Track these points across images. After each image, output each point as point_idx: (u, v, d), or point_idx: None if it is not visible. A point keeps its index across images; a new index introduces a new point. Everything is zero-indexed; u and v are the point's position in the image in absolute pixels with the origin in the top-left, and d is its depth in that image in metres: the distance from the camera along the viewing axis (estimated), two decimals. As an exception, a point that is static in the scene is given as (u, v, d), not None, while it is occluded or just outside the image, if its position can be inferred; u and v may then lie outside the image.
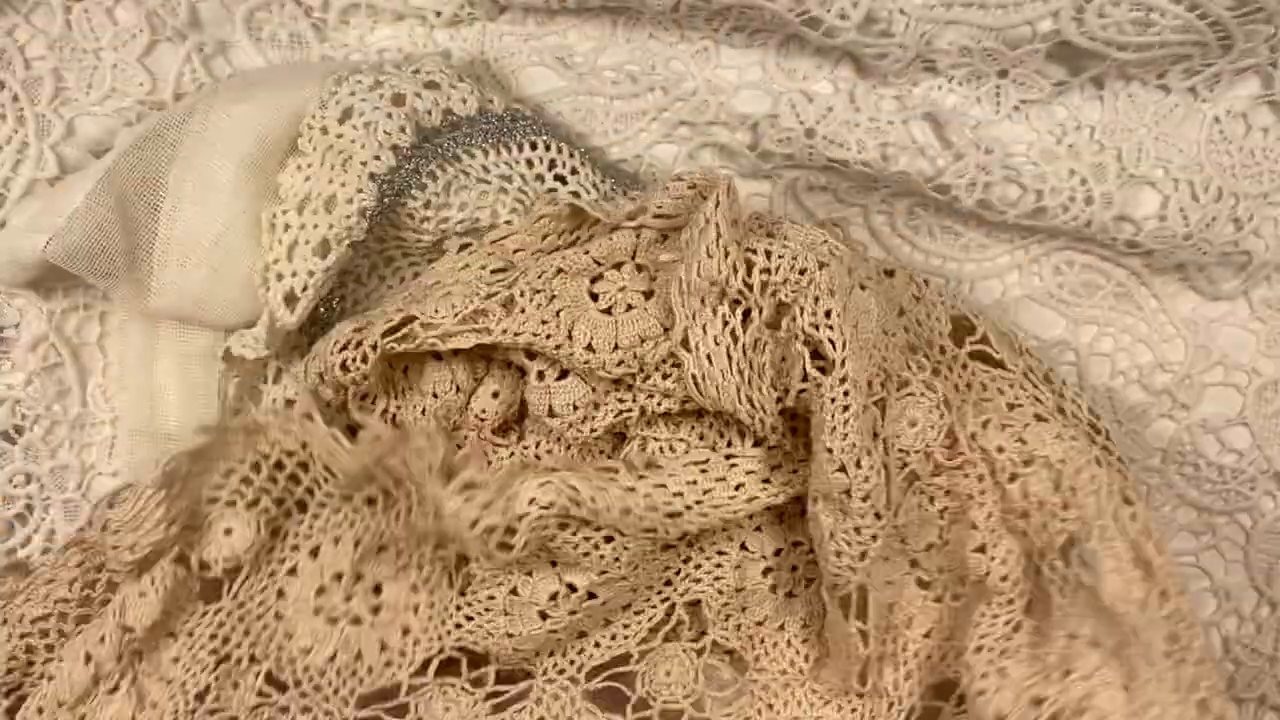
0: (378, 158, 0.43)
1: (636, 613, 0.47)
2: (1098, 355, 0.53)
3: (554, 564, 0.44)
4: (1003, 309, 0.53)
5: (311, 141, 0.44)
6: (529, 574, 0.45)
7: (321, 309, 0.47)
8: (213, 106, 0.44)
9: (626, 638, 0.47)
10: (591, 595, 0.44)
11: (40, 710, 0.43)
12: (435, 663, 0.46)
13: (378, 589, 0.46)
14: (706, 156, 0.51)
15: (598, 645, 0.47)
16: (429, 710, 0.46)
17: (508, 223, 0.47)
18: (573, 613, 0.44)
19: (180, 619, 0.45)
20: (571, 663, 0.47)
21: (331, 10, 0.49)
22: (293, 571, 0.45)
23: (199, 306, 0.44)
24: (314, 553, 0.45)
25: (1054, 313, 0.53)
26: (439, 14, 0.49)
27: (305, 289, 0.43)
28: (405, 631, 0.46)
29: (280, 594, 0.45)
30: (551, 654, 0.47)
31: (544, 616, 0.44)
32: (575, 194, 0.47)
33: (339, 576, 0.45)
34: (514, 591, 0.45)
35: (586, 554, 0.42)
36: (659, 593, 0.47)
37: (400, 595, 0.46)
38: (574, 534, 0.42)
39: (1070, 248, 0.52)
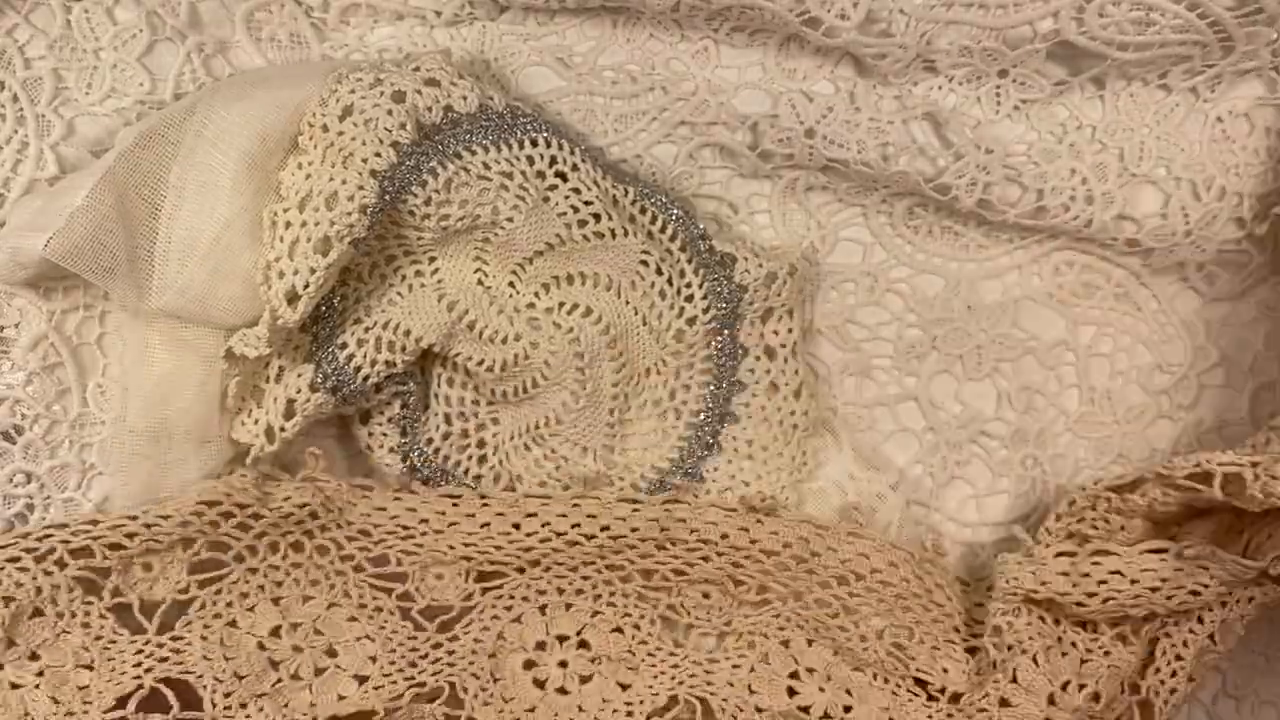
0: (379, 154, 0.43)
1: None
2: (1098, 355, 0.53)
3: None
4: (1003, 309, 0.53)
5: (312, 139, 0.44)
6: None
7: (323, 306, 0.47)
8: (213, 105, 0.44)
9: None
10: None
11: None
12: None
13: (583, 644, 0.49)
14: (706, 156, 0.51)
15: None
16: None
17: (509, 220, 0.46)
18: None
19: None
20: None
21: (331, 10, 0.49)
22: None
23: (200, 305, 0.44)
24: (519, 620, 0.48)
25: (1054, 313, 0.53)
26: (439, 14, 0.49)
27: (307, 286, 0.43)
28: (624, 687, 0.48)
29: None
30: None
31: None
32: (576, 190, 0.47)
33: (562, 640, 0.48)
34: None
35: None
36: None
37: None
38: None
39: (1070, 248, 0.52)
